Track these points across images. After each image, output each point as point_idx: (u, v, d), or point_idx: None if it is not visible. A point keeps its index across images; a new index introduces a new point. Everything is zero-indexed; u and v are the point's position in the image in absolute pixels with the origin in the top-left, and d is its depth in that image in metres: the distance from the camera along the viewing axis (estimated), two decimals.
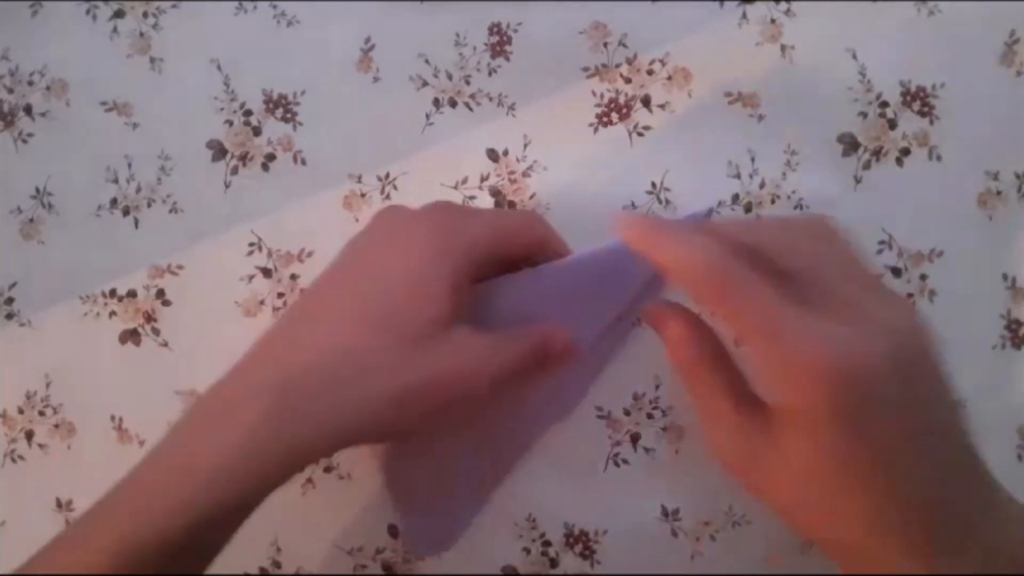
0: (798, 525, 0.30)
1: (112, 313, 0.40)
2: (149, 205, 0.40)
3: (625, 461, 0.39)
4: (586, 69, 0.40)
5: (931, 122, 0.39)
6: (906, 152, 0.40)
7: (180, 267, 0.40)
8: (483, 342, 0.32)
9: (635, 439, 0.39)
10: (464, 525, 0.38)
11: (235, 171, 0.40)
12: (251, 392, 0.30)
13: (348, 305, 0.31)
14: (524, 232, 0.34)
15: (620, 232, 0.30)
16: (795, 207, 0.39)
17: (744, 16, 0.40)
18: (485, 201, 0.39)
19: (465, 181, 0.40)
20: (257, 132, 0.40)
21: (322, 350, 0.30)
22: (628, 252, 0.30)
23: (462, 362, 0.31)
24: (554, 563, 0.39)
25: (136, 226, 0.40)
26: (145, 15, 0.40)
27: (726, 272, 0.27)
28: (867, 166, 0.39)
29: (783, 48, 0.40)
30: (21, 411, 0.40)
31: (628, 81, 0.40)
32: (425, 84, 0.40)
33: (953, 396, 0.29)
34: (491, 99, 0.40)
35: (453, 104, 0.40)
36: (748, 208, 0.39)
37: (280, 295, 0.40)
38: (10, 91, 0.40)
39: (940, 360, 0.29)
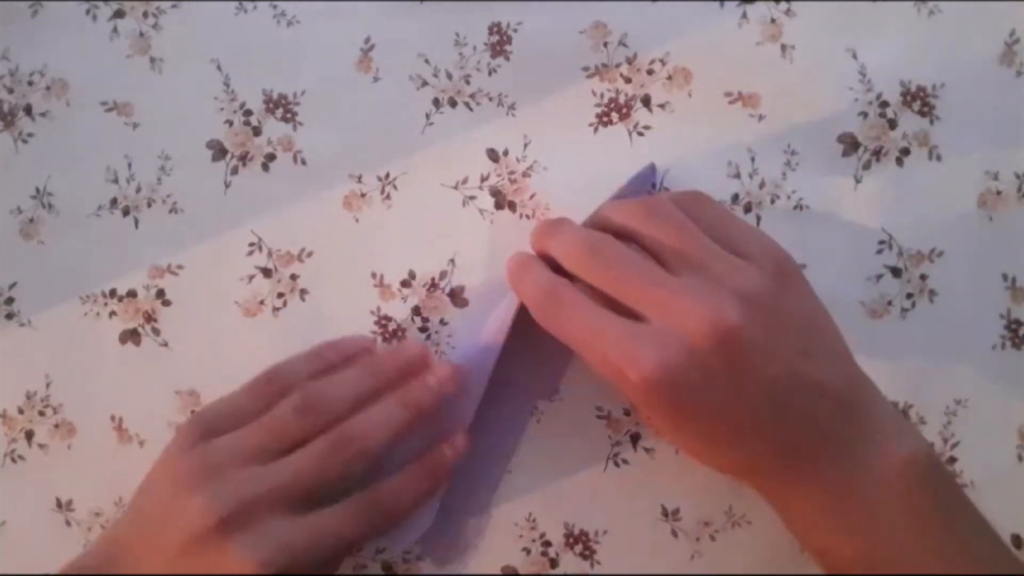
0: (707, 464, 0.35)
1: (112, 313, 0.40)
2: (149, 205, 0.40)
3: (625, 461, 0.39)
4: (586, 69, 0.40)
5: (931, 122, 0.39)
6: (906, 152, 0.40)
7: (180, 267, 0.40)
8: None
9: (635, 439, 0.39)
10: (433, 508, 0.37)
11: (235, 171, 0.40)
12: None
13: None
14: None
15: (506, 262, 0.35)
16: (795, 207, 0.39)
17: (744, 16, 0.40)
18: (485, 201, 0.40)
19: (465, 181, 0.40)
20: (257, 132, 0.40)
21: None
22: None
23: None
24: (554, 563, 0.39)
25: (136, 226, 0.40)
26: (145, 15, 0.40)
27: (548, 301, 0.32)
28: (867, 166, 0.39)
29: (783, 48, 0.40)
30: (21, 411, 0.40)
31: (628, 81, 0.40)
32: (425, 84, 0.40)
33: (803, 340, 0.32)
34: (491, 99, 0.40)
35: (453, 104, 0.40)
36: (748, 208, 0.39)
37: (280, 295, 0.40)
38: (10, 91, 0.40)
39: (775, 317, 0.32)
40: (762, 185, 0.39)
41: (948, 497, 0.32)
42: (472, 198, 0.40)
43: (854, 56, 0.39)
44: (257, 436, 0.33)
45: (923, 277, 0.39)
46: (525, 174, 0.40)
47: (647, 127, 0.40)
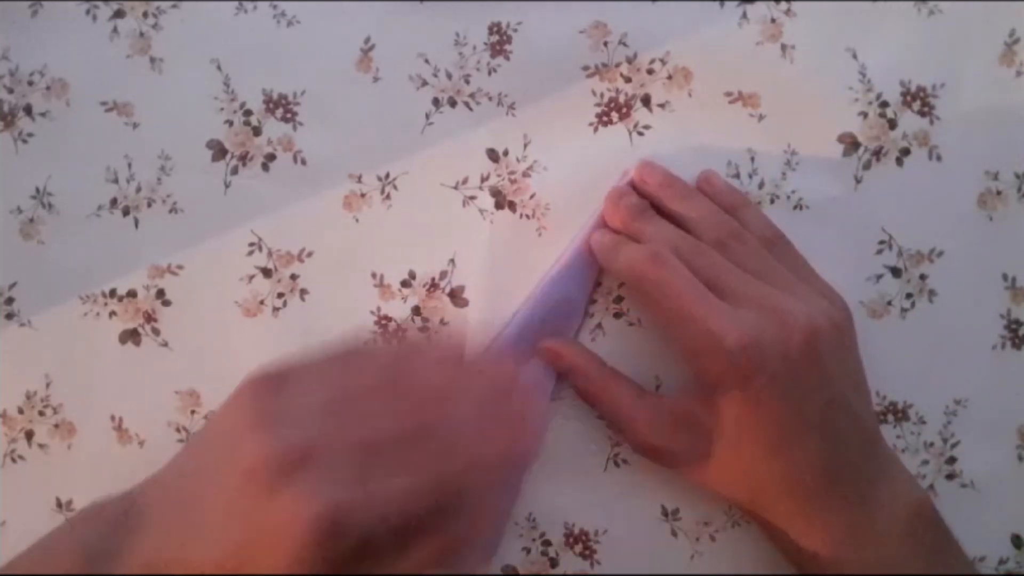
0: (726, 489, 0.36)
1: (112, 313, 0.40)
2: (149, 205, 0.40)
3: (625, 461, 0.39)
4: (586, 68, 0.40)
5: (931, 122, 0.39)
6: (906, 152, 0.40)
7: (180, 267, 0.40)
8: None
9: None
10: (503, 526, 0.38)
11: (235, 171, 0.40)
12: None
13: None
14: None
15: (591, 241, 0.37)
16: (795, 207, 0.39)
17: (744, 16, 0.40)
18: (485, 201, 0.40)
19: (465, 181, 0.40)
20: (257, 132, 0.40)
21: None
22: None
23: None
24: (554, 563, 0.39)
25: (136, 226, 0.40)
26: (145, 15, 0.40)
27: (659, 260, 0.34)
28: (867, 166, 0.39)
29: (783, 48, 0.40)
30: (21, 411, 0.40)
31: (628, 80, 0.40)
32: (425, 84, 0.40)
33: (856, 376, 0.35)
34: (491, 99, 0.40)
35: (453, 104, 0.40)
36: None
37: (280, 295, 0.40)
38: (10, 91, 0.40)
39: (844, 345, 0.35)
40: (762, 185, 0.39)
41: (948, 543, 0.35)
42: (472, 198, 0.40)
43: (854, 56, 0.39)
44: (330, 390, 0.30)
45: (923, 277, 0.39)
46: (525, 174, 0.40)
47: (647, 127, 0.40)
